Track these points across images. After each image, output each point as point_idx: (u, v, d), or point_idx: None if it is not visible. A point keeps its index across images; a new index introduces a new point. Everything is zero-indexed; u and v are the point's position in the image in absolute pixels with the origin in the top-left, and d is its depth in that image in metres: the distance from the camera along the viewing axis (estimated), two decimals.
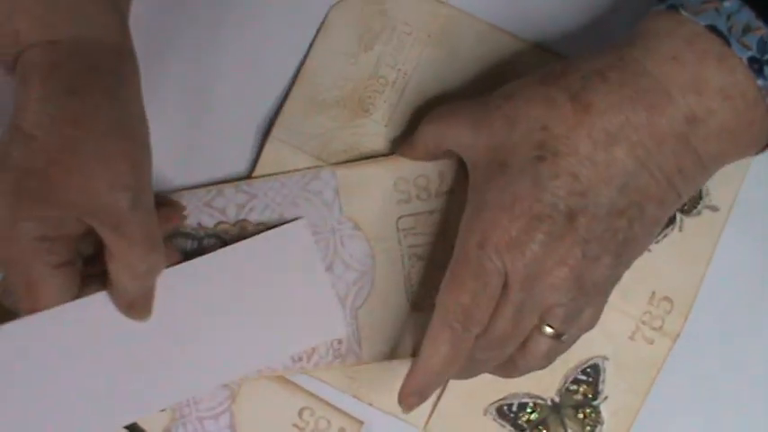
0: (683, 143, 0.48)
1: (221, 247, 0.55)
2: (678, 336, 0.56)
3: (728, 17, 0.47)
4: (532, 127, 0.49)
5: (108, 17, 0.51)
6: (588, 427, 0.56)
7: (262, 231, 0.55)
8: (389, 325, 0.56)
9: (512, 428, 0.56)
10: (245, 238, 0.55)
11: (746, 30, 0.47)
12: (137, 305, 0.52)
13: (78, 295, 0.51)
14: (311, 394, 0.56)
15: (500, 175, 0.49)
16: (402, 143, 0.57)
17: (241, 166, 0.58)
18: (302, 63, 0.58)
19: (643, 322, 0.56)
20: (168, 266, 0.53)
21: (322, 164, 0.57)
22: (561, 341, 0.50)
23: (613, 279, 0.50)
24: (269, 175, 0.57)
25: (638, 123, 0.48)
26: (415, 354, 0.55)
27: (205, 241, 0.56)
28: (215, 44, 0.58)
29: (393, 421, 0.56)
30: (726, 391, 0.57)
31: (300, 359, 0.55)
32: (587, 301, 0.49)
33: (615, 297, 0.52)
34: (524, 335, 0.49)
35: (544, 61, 0.58)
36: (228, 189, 0.56)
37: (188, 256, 0.55)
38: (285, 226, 0.56)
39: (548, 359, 0.50)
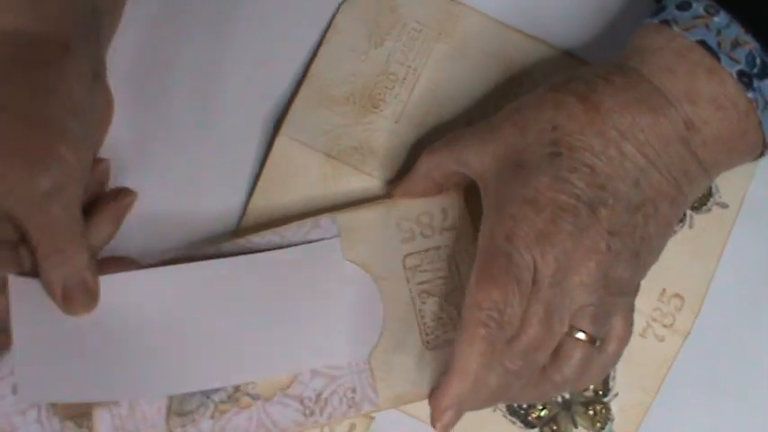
0: (686, 147, 0.49)
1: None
2: (689, 333, 0.56)
3: (718, 32, 0.49)
4: (544, 128, 0.49)
5: (58, 13, 0.52)
6: (598, 424, 0.56)
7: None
8: (405, 367, 0.55)
9: (522, 425, 0.56)
10: None
11: (735, 44, 0.49)
12: (69, 298, 0.51)
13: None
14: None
15: (517, 174, 0.49)
16: (398, 183, 0.56)
17: (251, 163, 0.58)
18: (312, 59, 0.58)
19: (654, 319, 0.56)
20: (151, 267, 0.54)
21: (332, 161, 0.57)
22: (595, 347, 0.49)
23: (634, 282, 0.50)
24: (264, 228, 0.56)
25: (645, 124, 0.48)
26: None
27: None
28: (224, 40, 0.58)
29: (404, 417, 0.56)
30: (736, 388, 0.57)
31: (313, 413, 0.54)
32: (613, 302, 0.49)
33: None
34: (555, 341, 0.48)
35: (553, 58, 0.58)
36: (227, 246, 0.55)
37: None
38: (320, 243, 0.55)
39: (584, 368, 0.49)
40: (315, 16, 0.58)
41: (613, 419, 0.56)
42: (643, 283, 0.54)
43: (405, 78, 0.58)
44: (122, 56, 0.58)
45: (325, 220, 0.55)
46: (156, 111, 0.58)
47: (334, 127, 0.57)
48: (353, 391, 0.54)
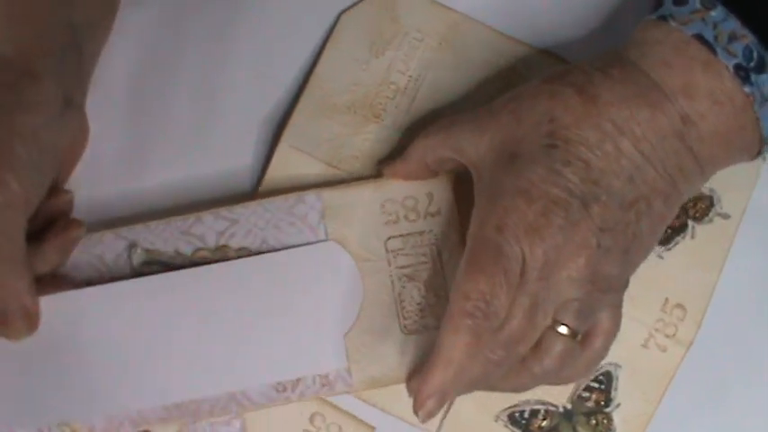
0: (682, 142, 0.49)
1: None
2: (691, 343, 0.56)
3: (715, 26, 0.49)
4: (540, 120, 0.49)
5: (30, 38, 0.51)
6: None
7: (243, 256, 0.55)
8: (380, 350, 0.55)
9: None
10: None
11: (732, 38, 0.49)
12: (7, 323, 0.51)
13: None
14: (323, 399, 0.55)
15: (511, 165, 0.49)
16: (390, 162, 0.56)
17: (251, 172, 0.58)
18: (313, 68, 0.58)
19: (656, 330, 0.56)
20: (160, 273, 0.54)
21: (334, 170, 0.57)
22: (576, 341, 0.49)
23: (622, 279, 0.50)
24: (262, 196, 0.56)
25: (642, 118, 0.48)
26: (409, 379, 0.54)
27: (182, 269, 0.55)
28: (225, 48, 0.58)
29: (404, 427, 0.55)
30: (739, 398, 0.56)
31: (285, 389, 0.54)
32: (600, 298, 0.49)
33: (628, 304, 0.51)
34: (538, 333, 0.49)
35: (551, 67, 0.57)
36: (207, 216, 0.55)
37: None
38: (317, 245, 0.55)
39: (563, 362, 0.49)
40: (316, 25, 0.58)
41: (615, 430, 0.55)
42: (645, 293, 0.54)
43: (406, 88, 0.58)
44: (122, 61, 0.58)
45: (310, 195, 0.55)
46: (156, 118, 0.58)
47: (335, 136, 0.57)
48: None
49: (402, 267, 0.55)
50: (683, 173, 0.49)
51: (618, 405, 0.56)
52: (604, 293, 0.49)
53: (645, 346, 0.56)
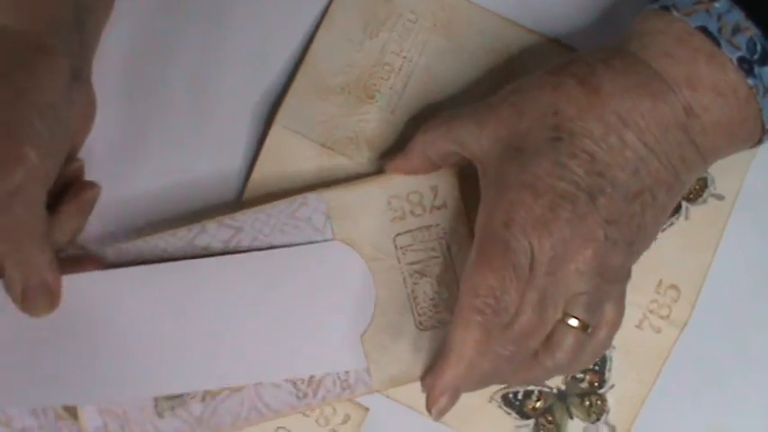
0: (685, 133, 0.49)
1: None
2: (686, 324, 0.56)
3: (719, 17, 0.48)
4: (544, 112, 0.49)
5: (38, 12, 0.51)
6: (594, 416, 0.56)
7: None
8: (398, 348, 0.54)
9: (517, 416, 0.55)
10: None
11: (736, 30, 0.48)
12: (29, 299, 0.50)
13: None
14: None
15: (516, 159, 0.48)
16: (392, 158, 0.55)
17: (244, 153, 0.57)
18: (307, 49, 0.58)
19: (650, 311, 0.56)
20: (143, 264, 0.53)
21: (328, 151, 0.57)
22: (587, 333, 0.49)
23: (627, 269, 0.50)
24: (255, 206, 0.55)
25: (645, 109, 0.48)
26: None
27: None
28: (219, 30, 0.58)
29: (398, 408, 0.55)
30: (733, 379, 0.57)
31: (306, 395, 0.54)
32: (607, 290, 0.49)
33: None
34: (548, 327, 0.48)
35: (549, 50, 0.58)
36: (211, 225, 0.54)
37: None
38: (321, 244, 0.54)
39: (575, 355, 0.49)
40: (310, 6, 0.58)
41: (609, 411, 0.56)
42: (639, 274, 0.54)
43: (400, 69, 0.58)
44: (117, 46, 0.58)
45: (312, 197, 0.55)
46: (151, 101, 0.58)
47: (329, 117, 0.57)
48: (347, 372, 0.54)
49: (412, 263, 0.55)
50: (686, 163, 0.49)
51: (612, 386, 0.56)
52: (611, 285, 0.49)
53: (639, 327, 0.56)
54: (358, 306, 0.54)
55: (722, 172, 0.57)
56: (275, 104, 0.58)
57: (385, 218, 0.55)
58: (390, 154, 0.56)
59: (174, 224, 0.55)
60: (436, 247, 0.55)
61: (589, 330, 0.49)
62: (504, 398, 0.55)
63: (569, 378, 0.56)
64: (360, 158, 0.57)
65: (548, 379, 0.51)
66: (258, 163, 0.57)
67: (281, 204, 0.55)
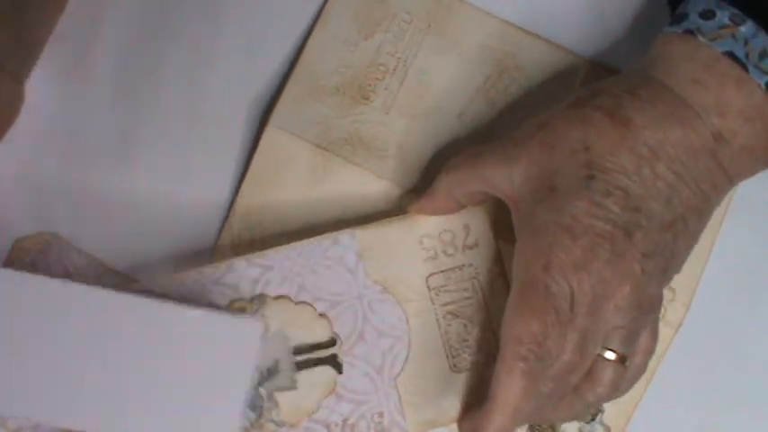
0: (714, 159, 0.48)
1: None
2: (680, 325, 0.56)
3: (745, 42, 0.48)
4: (575, 148, 0.48)
5: None
6: (589, 416, 0.55)
7: (284, 307, 0.53)
8: (432, 390, 0.54)
9: None
10: (264, 311, 0.53)
11: (763, 55, 0.48)
12: None
13: None
14: None
15: (550, 199, 0.48)
16: (416, 200, 0.55)
17: (239, 154, 0.57)
18: (301, 50, 0.57)
19: None
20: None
21: (322, 152, 0.56)
22: (625, 365, 0.48)
23: (661, 295, 0.50)
24: (284, 245, 0.54)
25: (675, 139, 0.48)
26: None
27: None
28: (213, 30, 0.58)
29: None
30: (727, 379, 0.57)
31: None
32: (644, 320, 0.49)
33: None
34: (588, 364, 0.48)
35: (545, 51, 0.58)
36: (239, 263, 0.53)
37: None
38: (239, 319, 0.51)
39: (615, 387, 0.49)
40: (305, 7, 0.58)
41: (604, 411, 0.56)
42: None
43: (395, 69, 0.57)
44: (110, 45, 0.57)
45: (344, 236, 0.54)
46: (144, 101, 0.57)
47: (324, 118, 0.57)
48: (381, 415, 0.53)
49: (446, 304, 0.54)
50: (716, 188, 0.49)
51: None
52: (648, 315, 0.49)
53: None
54: (392, 348, 0.53)
55: None
56: (270, 105, 0.57)
57: (417, 258, 0.54)
58: (412, 193, 0.56)
59: (166, 224, 0.55)
60: (469, 287, 0.55)
61: (627, 363, 0.49)
62: None
63: None
64: (355, 159, 0.57)
65: (590, 412, 0.51)
66: (253, 164, 0.56)
67: (312, 243, 0.54)
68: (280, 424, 0.53)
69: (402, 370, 0.53)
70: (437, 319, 0.54)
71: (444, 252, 0.55)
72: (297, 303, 0.54)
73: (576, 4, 0.59)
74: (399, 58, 0.58)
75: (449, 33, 0.58)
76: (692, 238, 0.49)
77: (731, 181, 0.49)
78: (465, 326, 0.54)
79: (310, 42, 0.57)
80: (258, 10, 0.58)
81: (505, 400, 0.47)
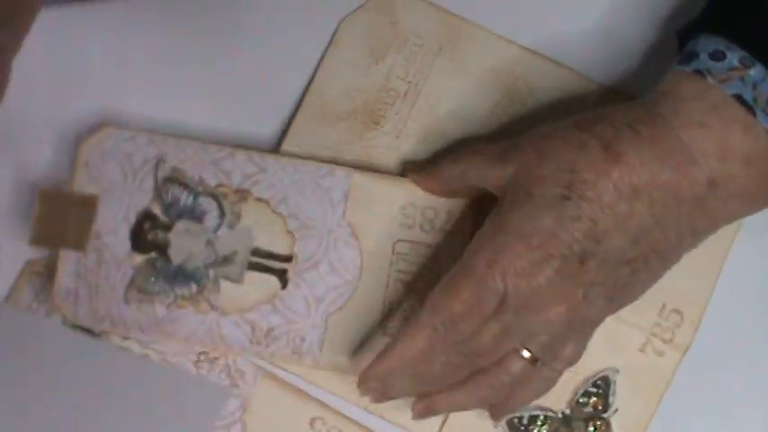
0: (701, 205, 0.49)
1: (217, 207, 0.55)
2: (688, 348, 0.57)
3: (754, 86, 0.48)
4: (562, 167, 0.49)
5: None
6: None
7: (260, 209, 0.55)
8: (355, 341, 0.55)
9: None
10: (242, 205, 0.55)
11: None
12: None
13: None
14: (323, 404, 0.56)
15: (523, 203, 0.49)
16: (419, 170, 0.56)
17: None
18: (313, 75, 0.58)
19: (653, 335, 0.57)
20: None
21: None
22: (536, 366, 0.50)
23: (600, 319, 0.51)
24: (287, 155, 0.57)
25: (663, 182, 0.48)
26: None
27: (201, 199, 0.56)
28: (225, 56, 0.58)
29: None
30: (735, 402, 0.57)
31: (259, 343, 0.55)
32: (571, 335, 0.50)
33: (625, 310, 0.52)
34: (501, 354, 0.50)
35: (553, 75, 0.58)
36: (241, 154, 0.56)
37: (181, 211, 0.55)
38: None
39: (521, 383, 0.51)
40: (316, 32, 0.58)
41: None
42: (643, 298, 0.54)
43: (406, 94, 0.58)
44: (124, 71, 0.58)
45: (340, 171, 0.56)
46: (158, 122, 0.58)
47: (335, 143, 0.57)
48: (302, 340, 0.55)
49: (400, 272, 0.56)
50: (695, 233, 0.49)
51: (616, 410, 0.56)
52: (577, 332, 0.50)
53: (642, 350, 0.57)
54: (337, 287, 0.55)
55: None
56: (282, 130, 0.58)
57: (395, 220, 0.56)
58: (416, 164, 0.57)
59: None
60: (428, 266, 0.56)
61: (538, 365, 0.50)
62: (510, 423, 0.56)
63: (574, 402, 0.56)
64: None
65: (496, 401, 0.52)
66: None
67: (311, 164, 0.56)
68: (213, 307, 0.55)
69: (337, 311, 0.55)
70: (387, 281, 0.56)
71: (421, 226, 0.56)
72: (273, 212, 0.56)
73: (587, 28, 0.59)
74: (410, 82, 0.58)
75: (460, 57, 0.58)
76: (652, 277, 0.50)
77: (716, 225, 0.50)
78: (408, 298, 0.56)
79: (322, 67, 0.58)
80: (270, 35, 0.58)
81: (400, 354, 0.50)
